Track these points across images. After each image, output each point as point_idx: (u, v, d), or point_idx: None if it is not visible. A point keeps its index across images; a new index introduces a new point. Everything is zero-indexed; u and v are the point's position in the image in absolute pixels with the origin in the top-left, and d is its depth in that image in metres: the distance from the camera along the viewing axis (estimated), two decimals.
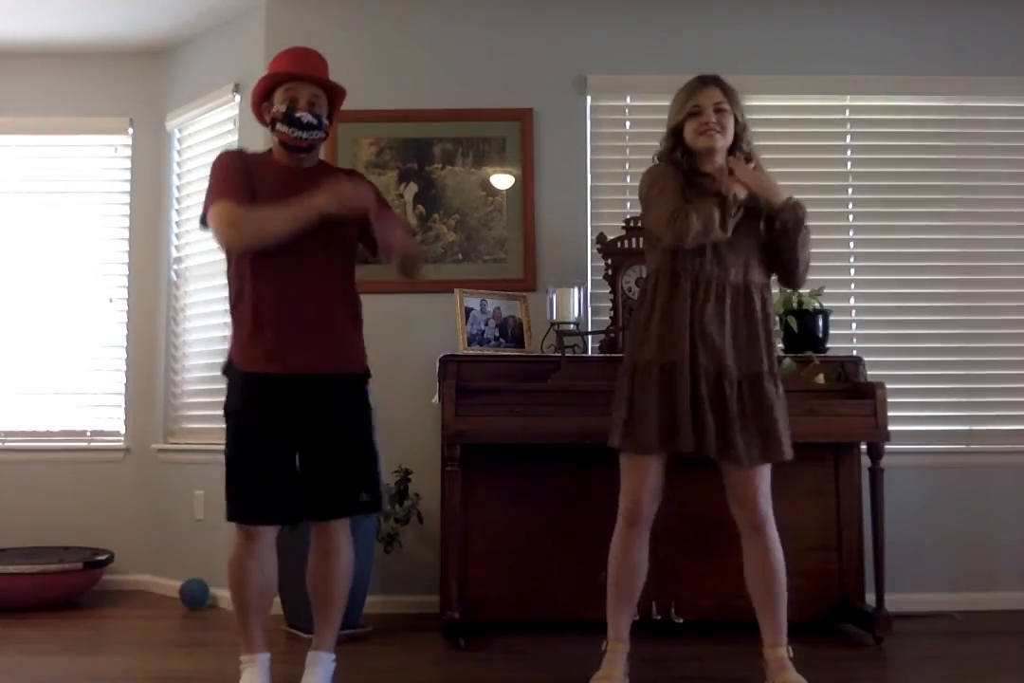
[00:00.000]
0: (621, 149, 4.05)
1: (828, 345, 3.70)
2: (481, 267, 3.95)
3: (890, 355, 3.95)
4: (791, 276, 2.73)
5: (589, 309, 3.83)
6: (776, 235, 2.64)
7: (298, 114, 2.55)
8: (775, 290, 2.92)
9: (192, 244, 4.32)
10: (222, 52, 4.24)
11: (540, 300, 3.75)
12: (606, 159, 4.04)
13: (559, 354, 3.47)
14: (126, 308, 4.47)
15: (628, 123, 4.07)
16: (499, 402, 3.22)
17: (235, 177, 2.54)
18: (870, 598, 3.33)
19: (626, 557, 2.66)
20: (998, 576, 3.82)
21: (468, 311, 3.69)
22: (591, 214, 3.98)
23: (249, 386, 2.53)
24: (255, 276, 2.53)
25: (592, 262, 3.91)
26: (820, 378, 3.47)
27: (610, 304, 3.67)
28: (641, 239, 3.25)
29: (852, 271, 4.02)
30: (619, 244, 3.66)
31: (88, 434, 4.44)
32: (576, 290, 3.64)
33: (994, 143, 4.06)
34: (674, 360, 2.54)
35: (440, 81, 4.01)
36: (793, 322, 3.61)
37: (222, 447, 2.58)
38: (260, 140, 3.61)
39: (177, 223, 4.44)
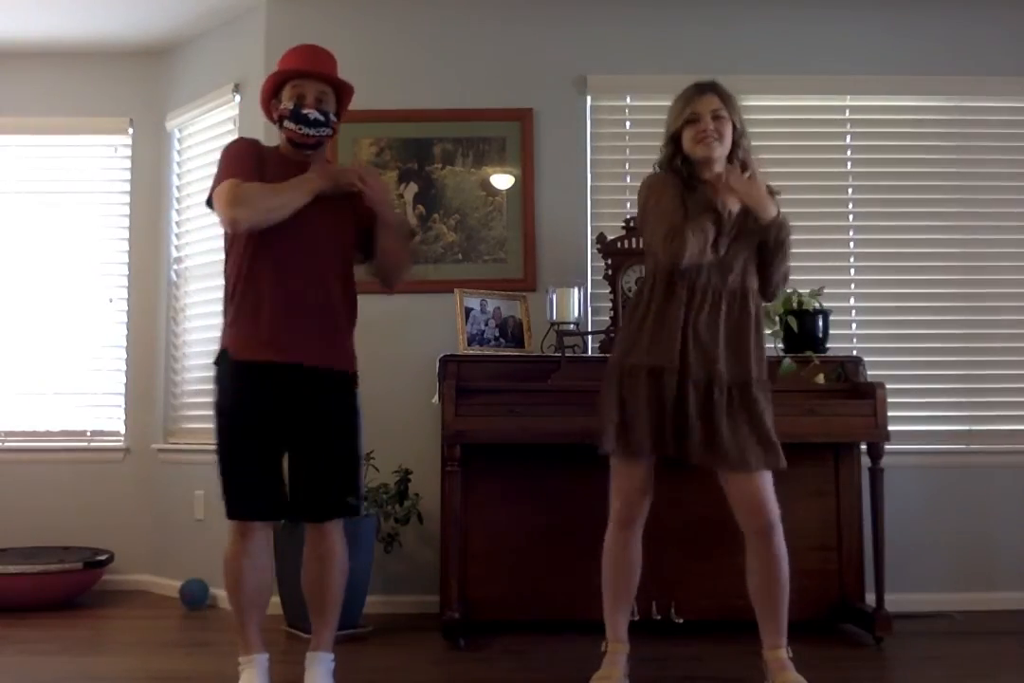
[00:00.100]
0: (621, 149, 4.05)
1: (828, 345, 3.70)
2: (481, 267, 3.95)
3: (890, 355, 3.95)
4: (764, 288, 2.71)
5: (589, 309, 3.83)
6: (760, 247, 2.64)
7: (305, 111, 2.55)
8: None
9: (192, 244, 4.32)
10: (222, 52, 4.24)
11: (540, 300, 3.75)
12: (606, 159, 4.04)
13: (559, 354, 3.47)
14: (126, 308, 4.47)
15: (628, 123, 4.07)
16: (499, 402, 3.22)
17: (245, 161, 2.56)
18: (870, 598, 3.33)
19: (620, 558, 2.66)
20: (998, 576, 3.82)
21: (468, 311, 3.69)
22: (591, 214, 3.98)
23: (241, 375, 2.53)
24: (256, 266, 2.53)
25: (592, 262, 3.91)
26: (820, 378, 3.47)
27: (610, 304, 3.67)
28: (641, 239, 3.24)
29: (852, 271, 4.02)
30: (619, 244, 3.66)
31: (88, 434, 4.44)
32: (576, 290, 3.64)
33: (994, 143, 4.06)
34: (664, 366, 2.54)
35: (440, 81, 4.01)
36: (793, 322, 3.61)
37: None
38: (260, 140, 3.61)
39: (177, 223, 4.44)
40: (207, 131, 4.33)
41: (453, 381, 3.27)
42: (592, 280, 3.89)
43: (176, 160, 4.48)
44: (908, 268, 4.01)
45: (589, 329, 3.81)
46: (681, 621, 3.30)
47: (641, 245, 3.19)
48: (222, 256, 2.69)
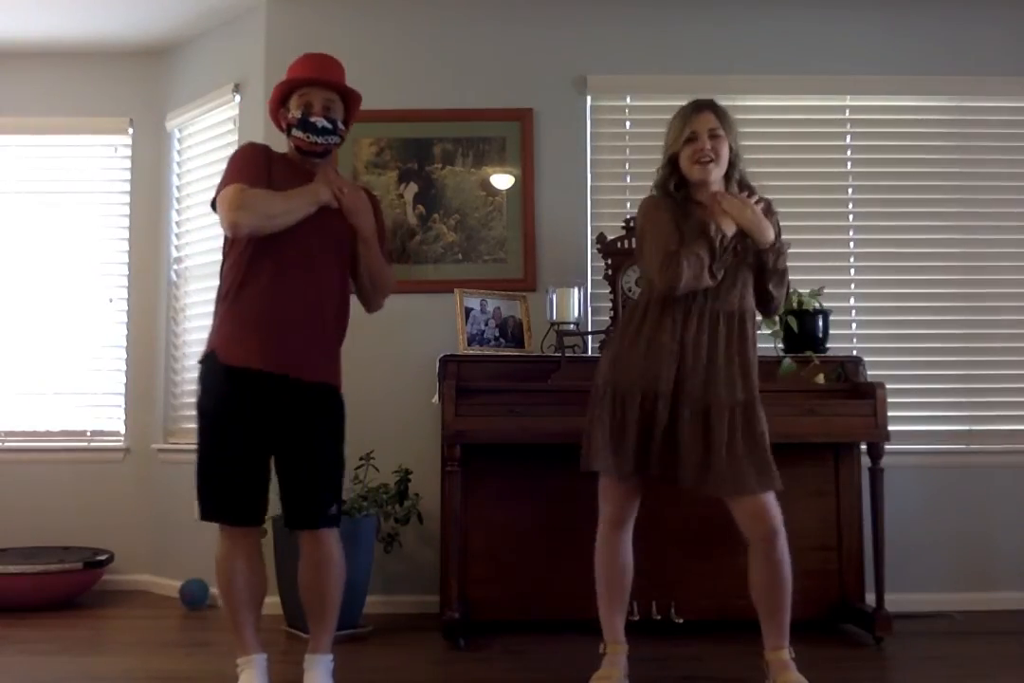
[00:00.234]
0: (621, 149, 4.05)
1: (828, 345, 3.70)
2: (481, 267, 3.95)
3: (890, 355, 3.95)
4: (764, 308, 2.72)
5: (589, 309, 3.83)
6: (756, 268, 2.64)
7: (312, 119, 2.56)
8: None
9: (192, 244, 4.32)
10: (222, 52, 4.24)
11: (540, 300, 3.75)
12: (606, 159, 4.04)
13: (559, 354, 3.47)
14: (126, 308, 4.47)
15: (628, 123, 4.07)
16: (499, 402, 3.22)
17: (253, 166, 2.55)
18: (870, 598, 3.33)
19: (613, 560, 2.67)
20: (998, 576, 3.82)
21: (468, 311, 3.69)
22: (591, 214, 3.98)
23: (226, 379, 2.51)
24: (253, 272, 2.53)
25: (592, 262, 3.91)
26: (820, 378, 3.47)
27: (610, 304, 3.67)
28: (638, 263, 3.24)
29: (852, 271, 4.02)
30: (619, 244, 3.66)
31: (88, 434, 4.44)
32: (576, 290, 3.64)
33: (994, 143, 4.06)
34: (657, 390, 2.54)
35: (440, 81, 4.00)
36: (793, 322, 3.61)
37: None
38: (260, 141, 3.61)
39: (177, 223, 4.44)
40: (207, 131, 4.33)
41: (453, 381, 3.27)
42: (592, 280, 3.89)
43: (176, 160, 4.48)
44: (908, 268, 4.01)
45: (589, 329, 3.80)
46: (681, 621, 3.30)
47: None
48: (221, 256, 2.69)
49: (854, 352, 3.84)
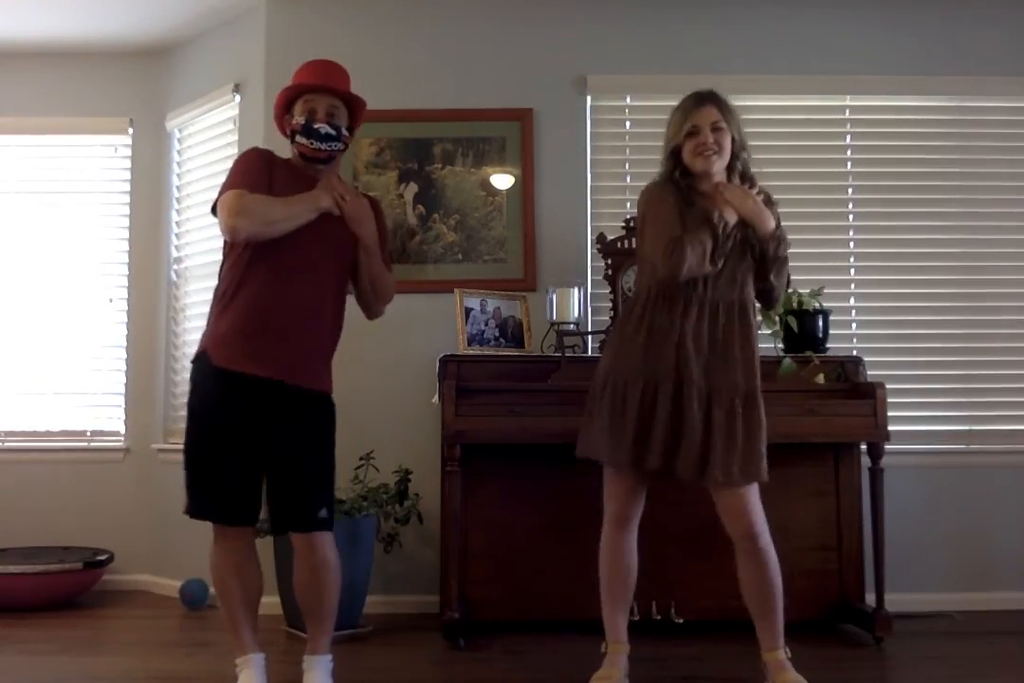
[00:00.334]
0: (621, 149, 4.05)
1: (828, 345, 3.70)
2: (481, 267, 3.95)
3: (890, 355, 3.95)
4: (764, 298, 2.73)
5: (589, 309, 3.83)
6: (757, 258, 2.64)
7: (316, 125, 2.56)
8: None
9: (192, 244, 4.32)
10: (222, 52, 4.23)
11: (540, 300, 3.75)
12: (606, 159, 4.04)
13: (559, 354, 3.47)
14: (126, 308, 4.47)
15: (628, 123, 4.07)
16: (499, 402, 3.22)
17: (254, 172, 2.55)
18: (870, 598, 3.33)
19: (617, 560, 2.67)
20: (998, 576, 3.82)
21: (468, 311, 3.69)
22: (591, 214, 3.98)
23: (217, 380, 2.51)
24: (252, 275, 2.53)
25: (592, 262, 3.91)
26: (820, 378, 3.47)
27: (610, 304, 3.67)
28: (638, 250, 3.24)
29: (852, 271, 4.02)
30: (619, 244, 3.66)
31: (88, 434, 4.43)
32: (576, 290, 3.64)
33: (994, 143, 4.06)
34: (659, 380, 2.55)
35: (440, 81, 4.00)
36: (793, 322, 3.61)
37: None
38: (260, 141, 3.62)
39: (177, 223, 4.43)
40: (207, 131, 4.33)
41: (453, 381, 3.27)
42: (592, 280, 3.89)
43: (176, 160, 4.48)
44: (908, 268, 4.01)
45: (589, 329, 3.81)
46: (681, 621, 3.30)
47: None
48: (221, 256, 2.69)
49: (854, 352, 3.84)
